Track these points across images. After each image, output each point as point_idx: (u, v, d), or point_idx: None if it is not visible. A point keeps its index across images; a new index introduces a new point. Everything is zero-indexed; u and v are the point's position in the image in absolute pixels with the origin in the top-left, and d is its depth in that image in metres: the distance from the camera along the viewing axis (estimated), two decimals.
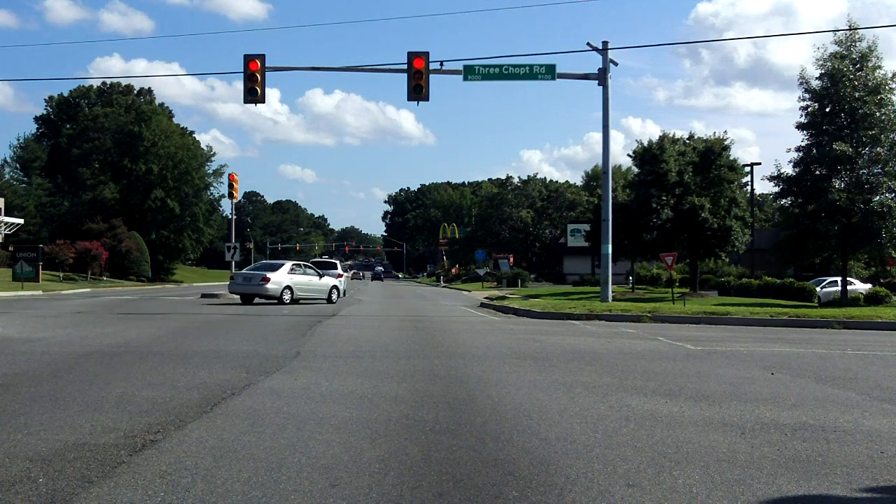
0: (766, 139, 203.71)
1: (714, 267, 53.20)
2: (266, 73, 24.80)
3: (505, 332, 16.02)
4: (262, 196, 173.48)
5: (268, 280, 27.07)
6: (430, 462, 5.03)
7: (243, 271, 29.75)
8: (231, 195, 41.42)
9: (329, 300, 29.53)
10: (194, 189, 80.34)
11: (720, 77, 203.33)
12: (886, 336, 16.44)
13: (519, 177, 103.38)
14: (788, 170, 36.54)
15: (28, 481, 4.52)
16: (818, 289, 41.46)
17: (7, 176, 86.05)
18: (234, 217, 44.99)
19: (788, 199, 37.62)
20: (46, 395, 7.37)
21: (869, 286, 40.65)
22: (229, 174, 41.96)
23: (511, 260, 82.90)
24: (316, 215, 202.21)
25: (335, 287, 30.26)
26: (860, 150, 34.46)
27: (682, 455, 5.30)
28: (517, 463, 5.05)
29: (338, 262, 39.15)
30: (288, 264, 29.11)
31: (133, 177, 75.79)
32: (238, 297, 28.81)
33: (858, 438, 5.90)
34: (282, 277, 27.66)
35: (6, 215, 59.07)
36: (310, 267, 30.67)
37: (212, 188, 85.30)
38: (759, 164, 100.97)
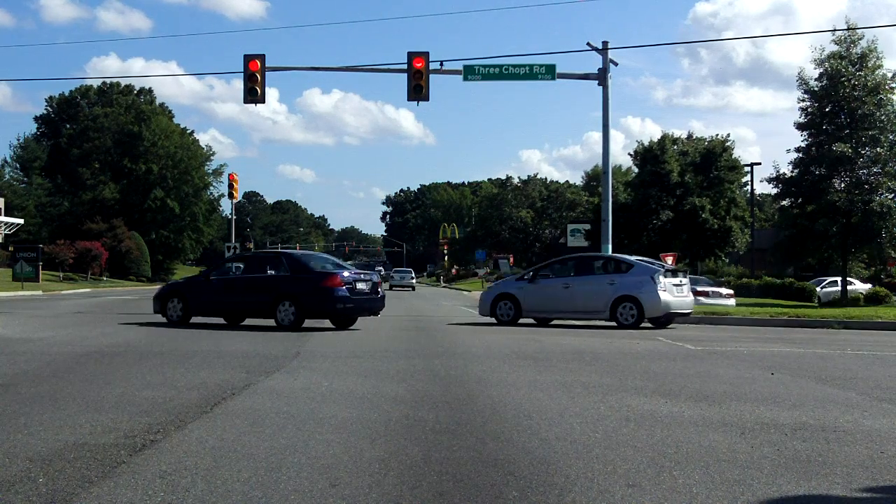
0: (766, 139, 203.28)
1: (714, 267, 53.21)
2: (266, 72, 24.78)
3: (505, 332, 16.02)
4: (262, 196, 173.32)
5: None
6: (430, 462, 5.03)
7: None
8: (231, 195, 41.45)
9: None
10: (194, 189, 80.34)
11: (719, 76, 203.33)
12: (886, 336, 16.44)
13: (519, 177, 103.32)
14: (787, 171, 36.58)
15: (28, 481, 4.52)
16: (818, 289, 41.44)
17: (7, 176, 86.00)
18: (234, 217, 45.01)
19: (788, 199, 37.63)
20: (46, 395, 7.37)
21: (869, 286, 40.64)
22: (229, 174, 42.03)
23: (511, 260, 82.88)
24: (316, 215, 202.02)
25: None
26: (860, 150, 34.44)
27: (682, 455, 5.29)
28: (517, 463, 5.05)
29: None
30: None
31: (133, 177, 75.78)
32: None
33: (858, 438, 5.89)
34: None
35: (6, 215, 59.06)
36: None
37: (211, 188, 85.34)
38: (759, 164, 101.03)
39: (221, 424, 6.12)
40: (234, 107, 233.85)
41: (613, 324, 17.58)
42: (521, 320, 18.53)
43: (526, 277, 19.13)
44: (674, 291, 17.74)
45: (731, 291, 32.54)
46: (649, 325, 17.92)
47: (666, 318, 17.97)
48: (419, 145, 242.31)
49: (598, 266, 18.99)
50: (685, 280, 18.56)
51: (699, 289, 29.77)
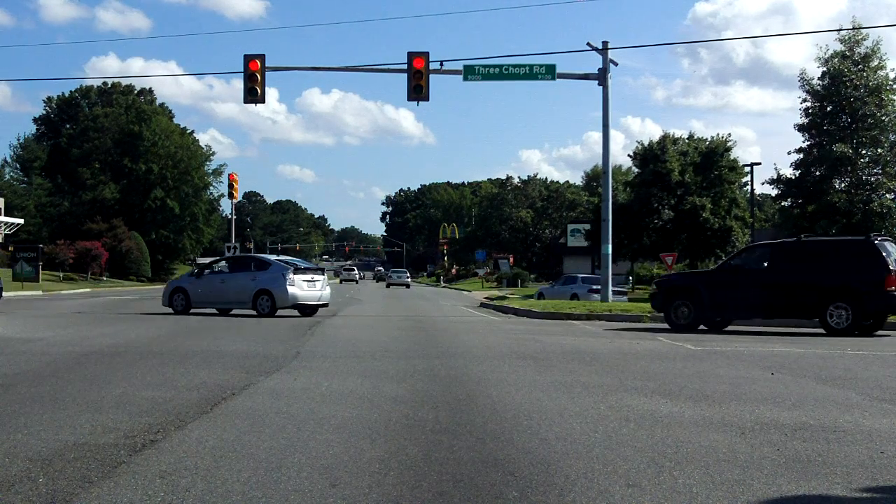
0: (766, 139, 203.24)
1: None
2: (266, 72, 24.79)
3: (505, 332, 16.02)
4: (262, 196, 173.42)
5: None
6: (430, 462, 5.03)
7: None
8: (231, 195, 41.48)
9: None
10: (194, 189, 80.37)
11: (719, 76, 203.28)
12: (886, 336, 16.43)
13: (519, 177, 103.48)
14: (788, 172, 36.57)
15: (28, 481, 4.52)
16: None
17: (7, 176, 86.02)
18: (234, 217, 45.03)
19: (788, 199, 37.64)
20: (46, 395, 7.37)
21: None
22: (229, 174, 42.08)
23: (511, 260, 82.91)
24: (316, 215, 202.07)
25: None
26: (860, 150, 34.45)
27: (682, 455, 5.29)
28: (517, 463, 5.04)
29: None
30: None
31: (133, 177, 75.79)
32: None
33: (858, 438, 5.89)
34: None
35: (6, 215, 59.09)
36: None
37: (211, 188, 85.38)
38: (759, 164, 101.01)
39: (221, 424, 6.12)
40: (234, 107, 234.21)
41: (291, 314, 20.33)
42: (196, 310, 21.12)
43: (195, 273, 22.28)
44: (304, 287, 20.71)
45: (626, 290, 35.00)
46: (295, 313, 20.88)
47: (309, 309, 21.08)
48: (419, 145, 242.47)
49: (248, 265, 22.00)
50: (318, 277, 21.58)
51: (595, 287, 31.80)
